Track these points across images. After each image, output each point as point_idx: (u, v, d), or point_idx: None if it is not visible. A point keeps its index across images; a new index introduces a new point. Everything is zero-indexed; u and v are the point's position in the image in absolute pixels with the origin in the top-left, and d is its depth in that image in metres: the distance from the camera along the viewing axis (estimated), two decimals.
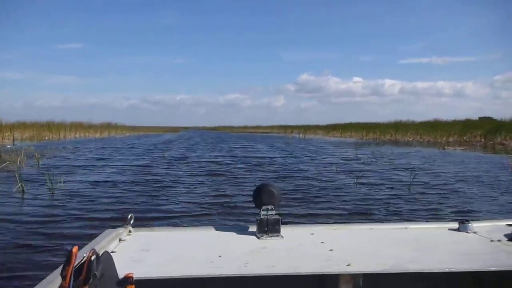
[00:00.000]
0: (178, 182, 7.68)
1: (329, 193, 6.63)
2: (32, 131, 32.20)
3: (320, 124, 55.15)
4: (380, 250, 1.34)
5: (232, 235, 1.52)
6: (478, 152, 19.11)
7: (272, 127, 78.05)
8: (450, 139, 28.06)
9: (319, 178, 8.53)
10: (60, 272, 0.85)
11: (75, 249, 0.86)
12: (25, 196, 6.17)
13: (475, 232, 1.54)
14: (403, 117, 39.36)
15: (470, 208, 5.46)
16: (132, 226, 1.57)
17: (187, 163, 11.87)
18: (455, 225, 1.62)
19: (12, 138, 25.77)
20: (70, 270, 0.83)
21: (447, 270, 1.17)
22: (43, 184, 7.08)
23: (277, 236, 1.48)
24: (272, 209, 1.50)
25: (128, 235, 1.52)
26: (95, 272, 0.87)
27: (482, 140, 27.44)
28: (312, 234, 1.53)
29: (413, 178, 7.33)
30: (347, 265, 1.18)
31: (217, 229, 1.60)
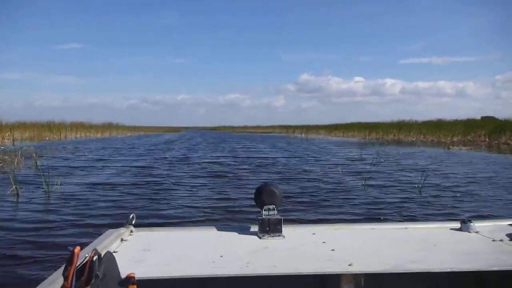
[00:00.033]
0: (179, 184, 7.40)
1: (338, 196, 6.33)
2: (33, 131, 32.01)
3: (320, 124, 54.91)
4: (382, 250, 1.33)
5: (233, 235, 1.51)
6: (484, 152, 18.81)
7: (273, 127, 77.81)
8: (454, 139, 27.78)
9: (325, 179, 8.23)
10: (62, 272, 0.85)
11: (77, 249, 0.85)
12: (19, 200, 5.88)
13: (477, 232, 1.52)
14: (404, 117, 39.05)
15: (490, 213, 5.15)
16: (134, 226, 1.56)
17: (188, 164, 11.58)
18: (457, 224, 1.60)
19: (12, 138, 25.52)
20: (72, 270, 0.83)
21: (449, 270, 1.15)
22: (39, 187, 6.80)
23: (278, 236, 1.47)
24: (273, 209, 1.49)
25: (130, 235, 1.51)
26: (97, 272, 0.86)
27: (487, 140, 27.16)
28: (313, 234, 1.52)
29: (424, 180, 7.02)
30: (349, 265, 1.17)
31: (219, 229, 1.59)
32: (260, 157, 14.02)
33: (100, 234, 1.46)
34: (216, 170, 9.89)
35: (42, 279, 1.02)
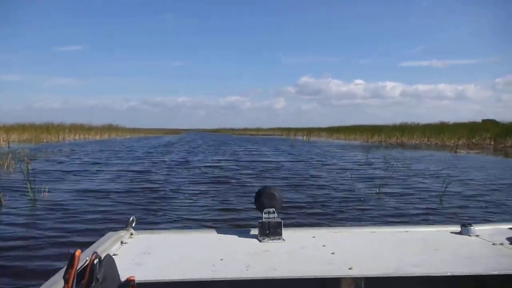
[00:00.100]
0: (178, 192, 6.80)
1: (352, 206, 5.74)
2: (30, 133, 31.46)
3: (321, 126, 54.26)
4: (382, 253, 1.32)
5: (233, 238, 1.50)
6: (492, 156, 18.28)
7: (273, 129, 77.20)
8: (459, 142, 27.26)
9: (335, 186, 7.64)
10: (62, 275, 0.85)
11: (78, 252, 0.85)
12: (1, 210, 5.30)
13: (477, 236, 1.51)
14: (405, 119, 38.32)
15: None
16: (134, 229, 1.54)
17: (188, 168, 10.99)
18: (457, 228, 1.59)
19: (7, 140, 24.94)
20: (73, 273, 0.83)
21: (449, 274, 1.14)
22: (25, 194, 6.21)
23: (278, 239, 1.46)
24: (273, 212, 1.47)
25: (130, 237, 1.50)
26: (98, 276, 0.86)
27: (492, 143, 26.67)
28: (313, 237, 1.51)
29: (445, 188, 6.43)
30: (349, 268, 1.16)
31: (219, 232, 1.58)
32: (263, 161, 13.42)
33: (100, 237, 1.42)
34: (217, 175, 9.29)
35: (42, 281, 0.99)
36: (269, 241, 1.45)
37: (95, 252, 0.92)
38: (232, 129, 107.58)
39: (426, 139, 30.84)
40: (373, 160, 14.28)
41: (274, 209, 1.48)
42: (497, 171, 10.84)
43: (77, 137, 36.18)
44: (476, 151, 20.69)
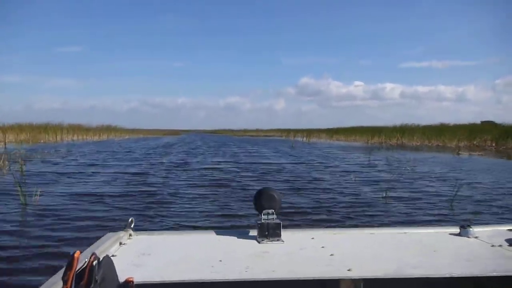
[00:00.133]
0: (176, 196, 6.50)
1: (359, 212, 5.45)
2: (28, 133, 31.14)
3: (320, 127, 54.03)
4: (381, 254, 1.32)
5: (232, 239, 1.49)
6: (495, 158, 18.01)
7: (273, 130, 76.93)
8: (460, 144, 27.03)
9: (339, 190, 7.35)
10: (61, 276, 0.85)
11: (77, 254, 0.85)
12: None
13: (476, 237, 1.49)
14: (404, 121, 38.06)
15: None
16: (133, 230, 1.54)
17: (187, 170, 10.69)
18: (456, 229, 1.58)
19: (4, 141, 24.60)
20: (71, 274, 0.83)
21: (447, 275, 1.14)
22: (16, 198, 5.90)
23: (277, 240, 1.44)
24: (272, 213, 1.46)
25: (129, 238, 1.48)
26: (96, 277, 0.86)
27: (493, 145, 26.42)
28: (312, 238, 1.50)
29: (456, 192, 6.14)
30: (348, 270, 1.16)
31: (218, 233, 1.56)
32: (264, 163, 13.12)
33: (100, 237, 1.41)
34: (217, 177, 8.99)
35: (41, 283, 0.97)
36: (268, 242, 1.44)
37: (94, 253, 0.91)
38: (232, 130, 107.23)
39: (426, 140, 30.57)
40: (375, 162, 14.00)
41: (273, 211, 1.47)
42: (504, 174, 10.56)
43: (75, 138, 35.86)
44: (479, 153, 20.43)
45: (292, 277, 1.13)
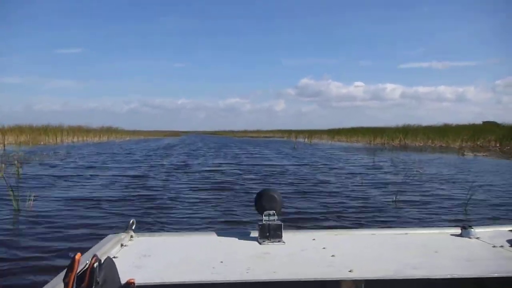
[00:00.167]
0: (176, 200, 6.21)
1: (371, 218, 5.15)
2: (28, 135, 30.89)
3: (321, 128, 53.74)
4: (382, 255, 1.32)
5: (233, 241, 1.48)
6: (501, 158, 17.71)
7: (274, 131, 76.65)
8: (463, 144, 26.73)
9: (347, 193, 7.06)
10: (62, 278, 0.85)
11: (78, 256, 0.85)
12: None
13: (477, 238, 1.49)
14: (404, 121, 37.74)
15: None
16: (134, 231, 1.53)
17: (188, 172, 10.39)
18: (458, 230, 1.56)
19: (3, 143, 24.34)
20: (72, 276, 0.83)
21: (449, 276, 1.14)
22: (9, 203, 5.61)
23: (279, 241, 1.44)
24: (274, 215, 1.45)
25: (130, 240, 1.48)
26: (98, 279, 0.85)
27: (498, 145, 26.11)
28: (314, 239, 1.49)
29: (470, 196, 5.84)
30: (349, 271, 1.15)
31: (219, 234, 1.56)
32: (266, 165, 12.83)
33: (101, 239, 1.40)
34: (219, 180, 8.70)
35: (42, 284, 0.97)
36: (269, 243, 1.43)
37: (95, 255, 0.91)
38: (233, 131, 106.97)
39: (429, 141, 30.27)
40: (380, 163, 13.70)
41: (274, 212, 1.46)
42: None
43: (75, 139, 35.59)
44: (483, 154, 20.15)
45: (293, 278, 1.12)
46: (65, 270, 0.84)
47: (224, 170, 11.08)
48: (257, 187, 7.69)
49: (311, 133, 47.32)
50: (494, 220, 5.02)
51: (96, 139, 39.03)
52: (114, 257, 1.23)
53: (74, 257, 0.84)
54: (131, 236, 1.51)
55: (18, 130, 31.88)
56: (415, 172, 10.50)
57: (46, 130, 33.81)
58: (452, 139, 28.68)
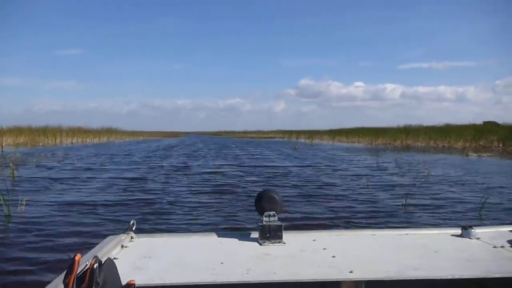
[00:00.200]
0: (175, 205, 5.92)
1: (382, 222, 4.87)
2: (27, 136, 30.60)
3: (321, 128, 53.42)
4: (383, 256, 1.31)
5: (234, 242, 1.48)
6: (506, 159, 17.46)
7: (274, 131, 76.37)
8: (466, 145, 26.47)
9: (353, 196, 6.77)
10: (62, 279, 0.85)
11: (77, 257, 0.85)
12: None
13: (478, 238, 1.48)
14: (405, 121, 37.50)
15: None
16: (135, 233, 1.52)
17: (188, 174, 10.10)
18: (458, 231, 1.56)
19: (1, 144, 24.06)
20: (72, 277, 0.82)
21: (449, 277, 1.14)
22: (0, 208, 5.33)
23: (279, 242, 1.44)
24: (274, 215, 1.45)
25: (131, 241, 1.47)
26: (98, 280, 0.85)
27: (501, 145, 25.84)
28: (314, 240, 1.49)
29: (485, 201, 5.54)
30: (350, 271, 1.15)
31: (219, 235, 1.55)
32: (268, 166, 12.54)
33: (101, 241, 1.40)
34: (220, 183, 8.41)
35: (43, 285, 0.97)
36: (269, 244, 1.42)
37: (95, 256, 0.90)
38: (233, 132, 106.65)
39: (432, 141, 29.99)
40: (384, 164, 13.42)
41: (275, 212, 1.45)
42: None
43: (74, 141, 35.30)
44: (488, 154, 19.88)
45: (294, 279, 1.12)
46: (65, 271, 0.84)
47: (225, 172, 10.79)
48: (259, 190, 7.39)
49: (312, 133, 47.00)
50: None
51: (95, 140, 38.73)
52: (114, 258, 1.21)
53: (74, 258, 0.84)
54: (132, 237, 1.49)
55: (17, 131, 31.62)
56: (420, 173, 10.22)
57: (45, 131, 33.52)
58: (455, 139, 28.43)
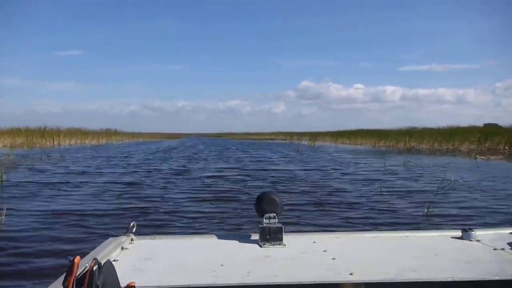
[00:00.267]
0: (174, 215, 5.33)
1: None
2: (24, 137, 30.04)
3: (321, 130, 52.85)
4: (383, 258, 1.31)
5: (234, 244, 1.47)
6: None
7: (275, 133, 75.79)
8: (471, 147, 25.95)
9: (369, 204, 6.18)
10: (61, 282, 0.84)
11: (77, 259, 0.84)
12: None
13: (478, 241, 1.47)
14: (405, 123, 37.13)
15: None
16: (135, 235, 1.51)
17: (188, 179, 9.51)
18: (458, 233, 1.55)
19: None
20: (72, 280, 0.82)
21: (449, 279, 1.13)
22: None
23: (279, 244, 1.43)
24: (274, 217, 1.45)
25: (131, 243, 1.46)
26: (97, 282, 0.84)
27: (507, 148, 25.32)
28: (314, 242, 1.48)
29: None
30: (350, 274, 1.15)
31: (219, 237, 1.54)
32: (272, 169, 11.95)
33: (101, 242, 1.37)
34: (223, 189, 7.82)
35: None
36: (269, 246, 1.41)
37: (94, 258, 0.89)
38: (234, 134, 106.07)
39: (436, 143, 29.46)
40: (393, 168, 12.83)
41: (275, 214, 1.44)
42: None
43: (73, 142, 34.74)
44: (497, 157, 19.29)
45: (294, 281, 1.11)
46: (64, 274, 0.83)
47: (228, 176, 10.19)
48: None
49: (314, 135, 46.45)
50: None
51: (94, 142, 38.19)
52: (114, 260, 1.21)
53: (73, 261, 0.83)
54: (132, 239, 1.47)
55: (15, 132, 31.08)
56: (433, 178, 9.62)
57: (43, 132, 32.97)
58: (459, 141, 27.93)
